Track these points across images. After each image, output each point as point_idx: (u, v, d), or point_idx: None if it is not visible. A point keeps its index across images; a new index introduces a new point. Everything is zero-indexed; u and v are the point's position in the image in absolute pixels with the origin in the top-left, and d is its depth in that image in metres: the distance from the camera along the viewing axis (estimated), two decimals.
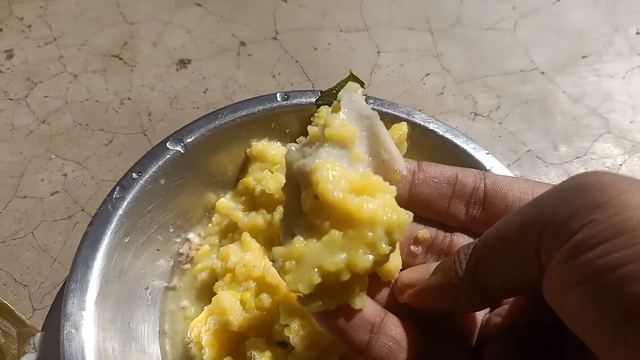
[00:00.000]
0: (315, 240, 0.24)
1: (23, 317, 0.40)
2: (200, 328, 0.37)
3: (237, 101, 0.43)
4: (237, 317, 0.36)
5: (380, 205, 0.24)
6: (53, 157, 0.50)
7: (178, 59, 0.57)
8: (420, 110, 0.44)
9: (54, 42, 0.58)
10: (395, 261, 0.27)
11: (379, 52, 0.60)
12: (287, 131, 0.44)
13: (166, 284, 0.41)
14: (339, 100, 0.26)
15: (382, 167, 0.27)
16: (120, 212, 0.37)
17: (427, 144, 0.43)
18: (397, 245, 0.27)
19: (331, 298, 0.24)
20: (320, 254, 0.23)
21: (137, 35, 0.59)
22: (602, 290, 0.18)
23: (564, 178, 0.49)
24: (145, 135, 0.52)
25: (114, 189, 0.38)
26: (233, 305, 0.36)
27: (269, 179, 0.41)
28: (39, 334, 0.38)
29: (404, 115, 0.43)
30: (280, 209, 0.40)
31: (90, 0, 0.61)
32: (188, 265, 0.42)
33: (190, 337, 0.38)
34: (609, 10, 0.65)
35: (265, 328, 0.36)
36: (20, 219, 0.46)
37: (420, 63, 0.59)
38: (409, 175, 0.28)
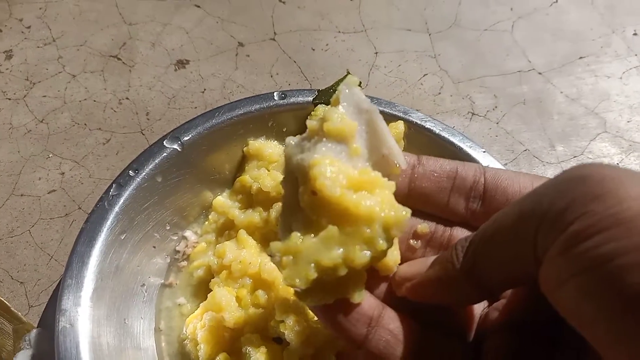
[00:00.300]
0: (312, 235, 0.24)
1: (19, 313, 0.40)
2: (196, 324, 0.37)
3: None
4: (232, 313, 0.36)
5: (378, 202, 0.24)
6: (51, 155, 0.50)
7: (176, 60, 0.58)
8: (417, 110, 0.44)
9: (53, 42, 0.58)
10: (393, 256, 0.27)
11: (376, 53, 0.60)
12: (284, 130, 0.44)
13: (162, 281, 0.41)
14: (338, 94, 0.26)
15: (381, 162, 0.26)
16: (116, 209, 0.38)
17: (423, 143, 0.43)
18: (396, 240, 0.26)
19: (328, 293, 0.24)
20: (317, 250, 0.23)
21: (136, 36, 0.59)
22: (599, 281, 0.17)
23: None
24: (143, 134, 0.52)
25: (110, 186, 0.38)
26: (229, 301, 0.36)
27: (266, 177, 0.41)
28: (34, 331, 0.38)
29: (400, 114, 0.43)
30: (276, 207, 0.40)
31: (89, 2, 0.62)
32: (184, 263, 0.42)
33: (186, 333, 0.38)
34: (606, 12, 0.65)
35: (261, 324, 0.36)
36: (17, 216, 0.46)
37: (417, 64, 0.59)
38: (408, 169, 0.28)
